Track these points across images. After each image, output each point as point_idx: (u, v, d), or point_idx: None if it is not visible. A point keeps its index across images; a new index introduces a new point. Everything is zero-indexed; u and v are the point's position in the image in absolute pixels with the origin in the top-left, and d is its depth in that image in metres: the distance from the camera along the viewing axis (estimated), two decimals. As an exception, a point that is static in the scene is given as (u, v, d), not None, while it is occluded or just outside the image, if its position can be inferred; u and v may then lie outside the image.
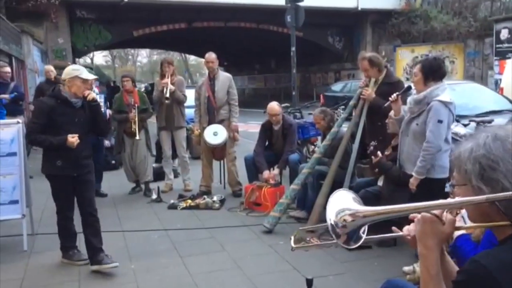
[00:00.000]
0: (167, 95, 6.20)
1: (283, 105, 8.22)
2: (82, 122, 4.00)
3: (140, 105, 6.42)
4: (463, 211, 1.62)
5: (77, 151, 3.91)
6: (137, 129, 6.24)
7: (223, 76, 6.33)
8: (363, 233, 1.46)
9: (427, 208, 1.34)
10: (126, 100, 6.44)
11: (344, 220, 1.43)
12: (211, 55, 6.29)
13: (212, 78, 6.28)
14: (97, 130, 4.29)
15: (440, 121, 3.65)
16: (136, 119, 6.27)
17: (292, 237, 2.12)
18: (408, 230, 1.47)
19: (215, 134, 6.17)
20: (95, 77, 4.78)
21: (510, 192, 1.17)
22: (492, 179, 1.20)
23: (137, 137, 6.27)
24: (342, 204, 1.46)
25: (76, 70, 3.99)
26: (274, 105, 6.06)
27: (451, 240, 1.90)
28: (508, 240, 1.23)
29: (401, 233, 1.47)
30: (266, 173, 5.81)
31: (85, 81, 3.95)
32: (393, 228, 1.48)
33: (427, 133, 3.68)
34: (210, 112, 6.26)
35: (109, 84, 24.06)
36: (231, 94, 6.27)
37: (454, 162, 1.33)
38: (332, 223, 1.43)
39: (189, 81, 42.75)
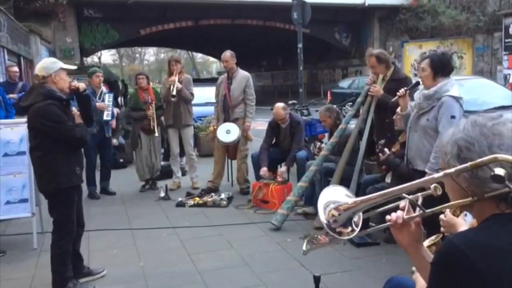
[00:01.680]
0: (174, 93, 6.21)
1: (290, 102, 8.21)
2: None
3: (156, 102, 6.46)
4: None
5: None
6: (155, 126, 6.30)
7: (241, 75, 6.30)
8: (356, 226, 1.51)
9: (400, 190, 1.45)
10: (142, 97, 6.49)
11: (332, 215, 1.48)
12: (226, 54, 6.26)
13: (230, 77, 6.29)
14: (87, 124, 3.75)
15: (453, 117, 3.64)
16: (154, 116, 6.31)
17: (305, 242, 2.16)
18: (390, 217, 1.51)
19: (228, 132, 6.19)
20: (75, 67, 4.46)
21: (464, 165, 1.22)
22: (467, 159, 1.25)
23: (156, 134, 6.33)
24: (328, 198, 1.51)
25: (56, 62, 3.55)
26: (279, 110, 6.01)
27: None
28: (483, 223, 1.28)
29: (388, 223, 1.52)
30: (263, 170, 5.82)
31: (67, 72, 3.56)
32: (386, 217, 1.51)
33: (441, 129, 3.65)
34: (226, 110, 6.28)
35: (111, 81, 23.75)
36: (247, 93, 6.24)
37: (438, 147, 1.39)
38: (324, 221, 1.49)
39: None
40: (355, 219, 1.51)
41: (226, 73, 6.43)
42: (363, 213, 1.54)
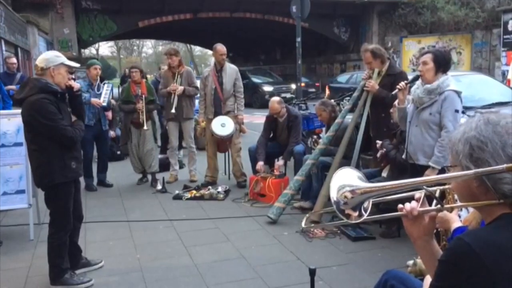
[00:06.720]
0: (173, 110, 6.28)
1: (288, 96, 8.21)
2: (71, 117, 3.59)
3: (148, 96, 6.44)
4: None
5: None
6: (144, 120, 6.28)
7: (230, 68, 6.30)
8: (365, 211, 1.49)
9: (421, 183, 1.43)
10: (133, 90, 6.46)
11: (345, 197, 1.46)
12: (224, 48, 6.25)
13: (219, 70, 6.27)
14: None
15: (457, 111, 3.70)
16: (144, 109, 6.30)
17: (305, 219, 2.24)
18: (403, 207, 1.50)
19: (222, 125, 6.17)
20: (78, 65, 4.36)
21: (498, 166, 1.19)
22: (479, 159, 1.23)
23: (145, 127, 6.31)
24: (344, 180, 1.49)
25: (60, 56, 3.50)
26: (274, 104, 6.03)
27: (449, 233, 1.91)
28: (494, 222, 1.27)
29: (400, 212, 1.50)
30: (259, 165, 5.83)
31: (68, 69, 3.54)
32: (399, 206, 1.50)
33: (446, 123, 3.68)
34: (217, 104, 6.26)
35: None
36: (237, 86, 6.26)
37: (448, 145, 1.37)
38: (335, 199, 1.48)
39: (195, 72, 42.67)
40: (365, 204, 1.48)
41: (214, 66, 6.38)
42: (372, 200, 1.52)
